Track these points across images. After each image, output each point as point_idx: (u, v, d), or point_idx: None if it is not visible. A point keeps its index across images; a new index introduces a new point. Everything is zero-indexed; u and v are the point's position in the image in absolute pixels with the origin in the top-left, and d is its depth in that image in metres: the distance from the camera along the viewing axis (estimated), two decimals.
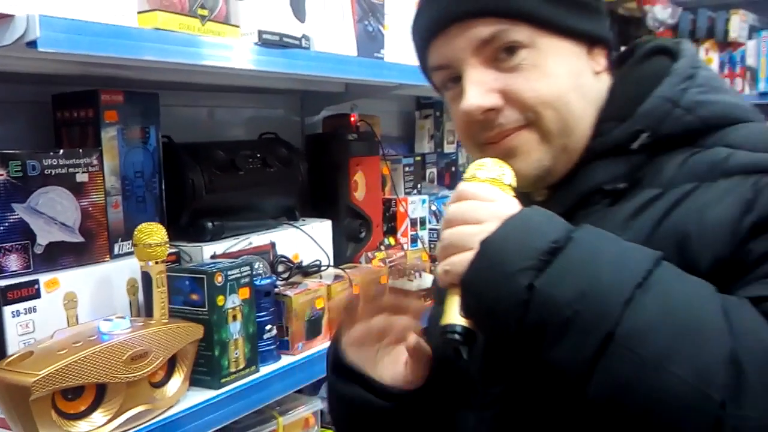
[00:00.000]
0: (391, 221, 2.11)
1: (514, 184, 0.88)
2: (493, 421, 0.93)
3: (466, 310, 0.81)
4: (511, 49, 0.89)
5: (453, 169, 2.77)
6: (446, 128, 2.68)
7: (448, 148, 2.72)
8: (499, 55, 0.89)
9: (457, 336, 0.81)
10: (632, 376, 0.70)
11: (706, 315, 0.71)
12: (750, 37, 4.05)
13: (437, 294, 1.10)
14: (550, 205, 0.90)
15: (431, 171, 2.60)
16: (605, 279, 0.73)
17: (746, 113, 0.91)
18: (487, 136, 0.92)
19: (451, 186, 2.71)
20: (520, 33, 0.89)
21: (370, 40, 1.74)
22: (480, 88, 0.89)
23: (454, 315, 0.82)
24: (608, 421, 0.73)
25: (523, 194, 0.91)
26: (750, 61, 4.05)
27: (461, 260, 0.80)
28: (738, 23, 3.90)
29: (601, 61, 0.95)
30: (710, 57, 3.98)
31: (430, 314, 1.03)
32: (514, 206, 0.83)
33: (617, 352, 0.70)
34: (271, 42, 1.42)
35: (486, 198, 0.84)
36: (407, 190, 2.26)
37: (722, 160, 0.84)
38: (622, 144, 0.90)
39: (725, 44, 3.97)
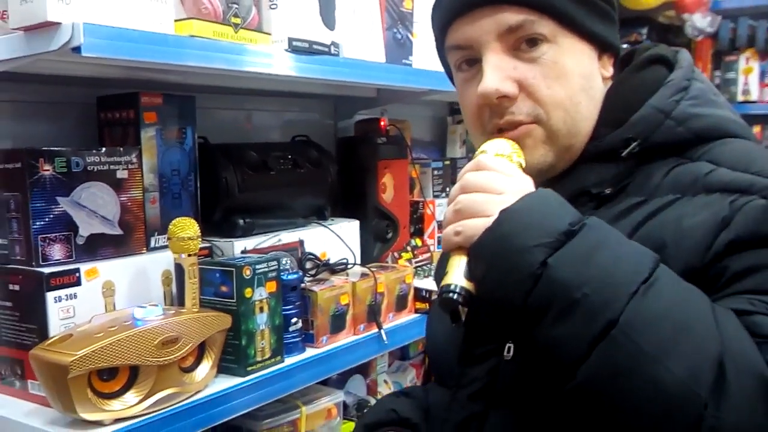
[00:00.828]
0: (418, 223, 2.16)
1: (524, 164, 0.91)
2: (468, 401, 0.97)
3: (473, 274, 0.82)
4: (534, 41, 0.92)
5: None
6: None
7: None
8: (521, 45, 0.92)
9: (457, 296, 0.82)
10: (628, 365, 0.73)
11: (701, 317, 0.74)
12: None
13: (441, 259, 1.11)
14: None
15: None
16: (614, 268, 0.76)
17: (735, 128, 0.94)
18: (495, 122, 0.94)
19: None
20: (545, 26, 0.91)
21: (399, 47, 1.81)
22: (499, 74, 0.92)
23: (457, 276, 0.83)
24: (585, 409, 0.77)
25: None
26: None
27: (476, 225, 0.82)
28: None
29: (609, 68, 0.99)
30: (750, 66, 3.95)
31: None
32: (530, 184, 0.86)
33: (617, 339, 0.73)
34: (301, 49, 1.49)
35: (505, 172, 0.86)
36: (436, 193, 2.31)
37: (704, 176, 0.87)
38: (613, 150, 0.93)
39: (766, 53, 3.94)
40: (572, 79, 0.93)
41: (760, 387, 0.71)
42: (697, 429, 0.70)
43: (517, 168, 0.89)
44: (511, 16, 0.91)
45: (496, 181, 0.85)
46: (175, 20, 1.27)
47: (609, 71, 0.99)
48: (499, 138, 0.93)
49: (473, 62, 0.96)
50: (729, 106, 0.97)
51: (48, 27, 1.09)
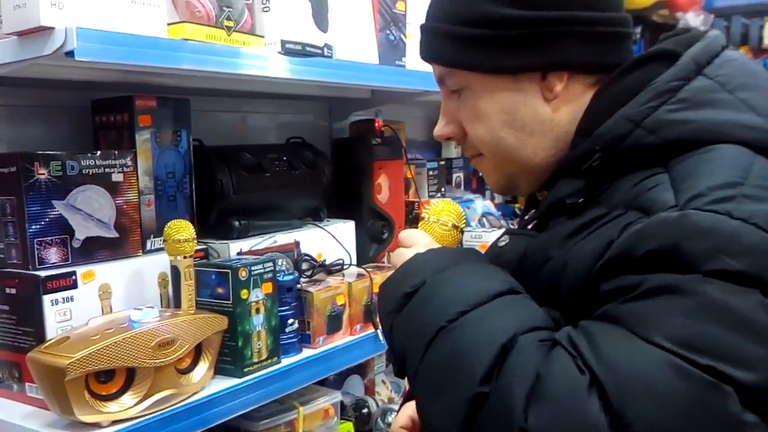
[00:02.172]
0: (413, 223, 2.16)
1: (458, 223, 1.05)
2: None
3: None
4: (456, 89, 1.00)
5: (481, 174, 2.81)
6: None
7: None
8: (452, 91, 1.01)
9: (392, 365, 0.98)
10: (422, 409, 0.84)
11: (476, 359, 0.76)
12: None
13: None
14: (539, 208, 0.98)
15: (458, 176, 2.66)
16: (422, 321, 0.84)
17: (738, 132, 0.82)
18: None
19: (478, 190, 2.77)
20: (456, 77, 0.98)
21: (392, 49, 1.81)
22: (445, 119, 1.03)
23: None
24: None
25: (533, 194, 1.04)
26: None
27: None
28: None
29: (556, 86, 0.93)
30: None
31: None
32: (416, 251, 0.95)
33: (416, 388, 0.84)
34: (294, 51, 1.49)
35: (408, 244, 1.00)
36: (431, 194, 2.32)
37: (646, 191, 0.80)
38: (580, 162, 0.89)
39: (760, 51, 3.95)
40: (489, 118, 0.97)
41: (502, 430, 0.72)
42: None
43: (424, 235, 1.02)
44: (436, 71, 1.03)
45: (397, 257, 0.98)
46: (168, 24, 1.28)
47: (555, 90, 0.94)
48: (439, 201, 1.07)
49: None
50: (749, 105, 0.84)
51: (41, 32, 1.10)
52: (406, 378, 0.89)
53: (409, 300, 0.86)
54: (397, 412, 1.16)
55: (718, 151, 0.81)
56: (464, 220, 1.07)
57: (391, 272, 0.93)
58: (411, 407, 1.11)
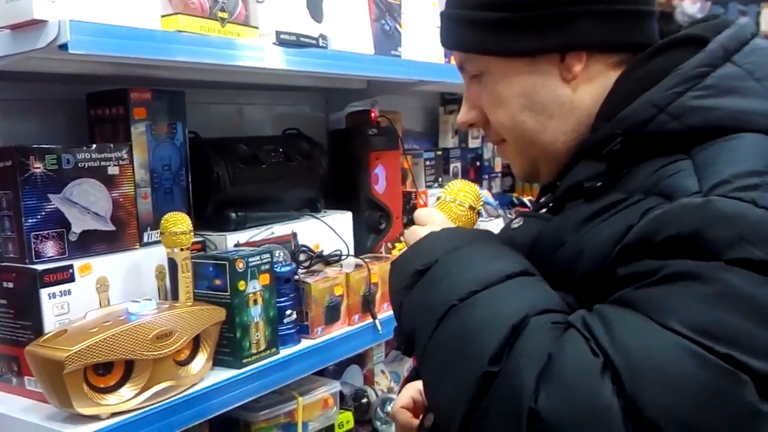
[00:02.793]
0: (411, 213, 2.16)
1: (475, 204, 1.04)
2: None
3: None
4: (477, 75, 0.99)
5: (478, 163, 2.82)
6: None
7: (473, 143, 2.77)
8: (473, 77, 1.00)
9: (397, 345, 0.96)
10: (429, 388, 0.84)
11: (484, 338, 0.76)
12: None
13: None
14: (557, 191, 0.97)
15: (455, 165, 2.65)
16: (432, 300, 0.83)
17: (757, 122, 0.81)
18: None
19: (476, 180, 2.77)
20: (475, 63, 0.98)
21: (388, 39, 1.81)
22: (467, 105, 1.03)
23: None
24: None
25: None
26: None
27: None
28: None
29: (575, 66, 0.92)
30: None
31: None
32: (431, 230, 0.94)
33: (424, 366, 0.84)
34: (289, 42, 1.49)
35: (422, 222, 0.99)
36: (428, 184, 2.32)
37: (667, 177, 0.80)
38: (601, 146, 0.88)
39: None
40: (508, 102, 0.96)
41: (510, 410, 0.72)
42: None
43: (439, 214, 1.01)
44: (456, 57, 1.03)
45: (410, 234, 0.97)
46: (162, 16, 1.28)
47: (574, 71, 0.92)
48: (456, 182, 1.06)
49: None
50: None
51: (34, 25, 1.10)
52: (413, 357, 0.89)
53: (420, 278, 0.85)
54: (398, 394, 1.16)
55: (741, 139, 0.80)
56: (481, 202, 1.06)
57: (389, 261, 0.94)
58: (412, 388, 1.11)
